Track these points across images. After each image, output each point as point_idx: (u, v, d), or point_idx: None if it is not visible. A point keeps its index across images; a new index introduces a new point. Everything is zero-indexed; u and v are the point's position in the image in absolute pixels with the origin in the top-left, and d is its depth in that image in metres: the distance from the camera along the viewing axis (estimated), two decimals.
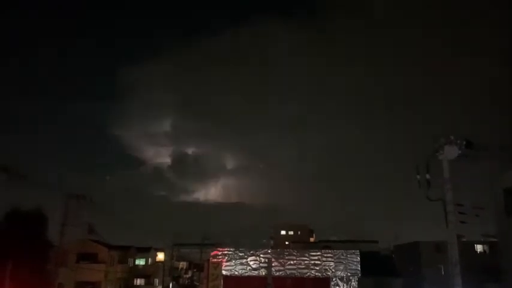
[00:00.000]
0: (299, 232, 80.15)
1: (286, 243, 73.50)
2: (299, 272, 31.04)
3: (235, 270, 31.21)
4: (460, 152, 15.18)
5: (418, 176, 15.87)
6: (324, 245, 57.15)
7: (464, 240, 42.24)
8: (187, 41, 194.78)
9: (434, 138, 15.60)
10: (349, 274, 30.99)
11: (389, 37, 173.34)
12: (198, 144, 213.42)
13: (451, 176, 15.33)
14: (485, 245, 47.71)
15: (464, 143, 15.17)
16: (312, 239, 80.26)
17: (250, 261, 31.33)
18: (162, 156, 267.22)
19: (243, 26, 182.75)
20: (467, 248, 41.23)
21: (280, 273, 30.75)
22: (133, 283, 57.24)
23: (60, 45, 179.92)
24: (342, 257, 31.42)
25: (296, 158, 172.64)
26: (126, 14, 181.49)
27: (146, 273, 59.23)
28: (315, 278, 31.01)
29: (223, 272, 31.14)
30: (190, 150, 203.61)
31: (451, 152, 15.19)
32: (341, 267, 31.09)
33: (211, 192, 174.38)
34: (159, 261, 64.63)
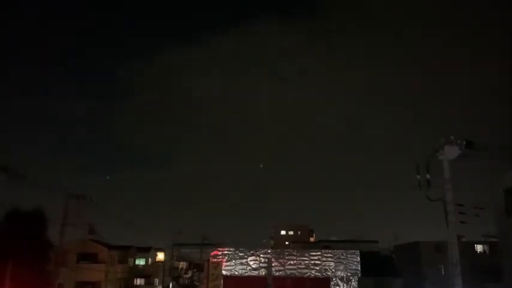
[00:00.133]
0: (299, 232, 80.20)
1: (286, 243, 73.55)
2: (299, 272, 31.04)
3: (235, 270, 31.22)
4: (460, 152, 15.19)
5: (418, 176, 15.88)
6: (324, 245, 57.16)
7: (465, 240, 42.35)
8: (187, 41, 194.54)
9: (434, 138, 15.63)
10: (349, 274, 30.99)
11: (389, 37, 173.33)
12: None
13: (451, 176, 15.34)
14: (485, 245, 47.75)
15: (464, 143, 15.17)
16: (312, 239, 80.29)
17: (250, 261, 31.33)
18: None
19: (243, 26, 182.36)
20: (467, 248, 41.28)
21: (280, 273, 30.75)
22: (133, 283, 57.27)
23: (60, 45, 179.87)
24: (342, 257, 31.42)
25: (296, 158, 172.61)
26: (126, 14, 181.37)
27: (146, 273, 59.26)
28: (315, 278, 31.02)
29: (223, 272, 31.15)
30: None
31: (451, 152, 15.19)
32: (341, 267, 31.10)
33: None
34: (159, 261, 64.67)
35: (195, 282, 76.16)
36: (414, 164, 16.14)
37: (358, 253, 31.82)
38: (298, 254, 32.13)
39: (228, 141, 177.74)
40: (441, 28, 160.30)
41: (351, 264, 31.14)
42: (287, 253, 32.79)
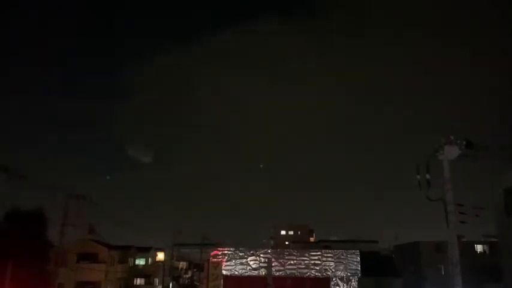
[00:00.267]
0: (299, 232, 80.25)
1: (286, 243, 73.58)
2: (299, 272, 31.06)
3: (235, 270, 31.24)
4: (460, 152, 15.21)
5: (418, 176, 15.89)
6: (324, 245, 57.16)
7: (465, 240, 42.32)
8: (187, 41, 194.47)
9: (434, 138, 15.65)
10: (349, 274, 31.01)
11: (390, 37, 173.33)
12: None
13: (451, 176, 15.35)
14: (485, 245, 47.73)
15: (464, 143, 15.19)
16: (312, 239, 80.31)
17: (250, 261, 31.36)
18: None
19: (243, 26, 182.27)
20: (467, 248, 41.26)
21: (280, 273, 30.77)
22: (133, 283, 57.28)
23: (60, 45, 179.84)
24: (342, 257, 31.45)
25: (296, 158, 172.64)
26: (126, 14, 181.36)
27: (146, 273, 59.27)
28: (315, 278, 31.04)
29: (223, 272, 31.17)
30: None
31: (451, 152, 15.21)
32: (341, 267, 31.12)
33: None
34: (159, 261, 64.69)
35: (195, 282, 76.17)
36: (414, 164, 16.16)
37: (358, 253, 31.84)
38: (298, 254, 32.15)
39: (228, 141, 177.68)
40: (441, 28, 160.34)
41: (351, 264, 31.17)
42: (287, 253, 32.82)
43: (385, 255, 51.77)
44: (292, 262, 31.29)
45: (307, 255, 31.77)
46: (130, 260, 58.74)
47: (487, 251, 46.99)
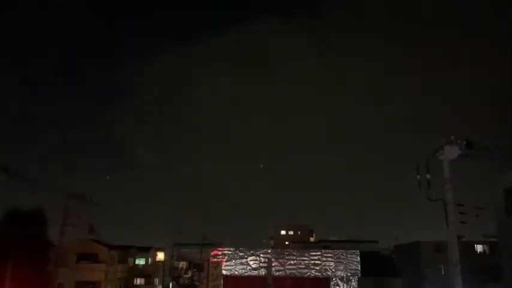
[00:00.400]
0: (299, 232, 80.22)
1: (286, 243, 73.56)
2: (299, 272, 31.06)
3: (235, 270, 31.23)
4: (460, 152, 15.21)
5: (418, 176, 15.91)
6: (324, 245, 57.13)
7: (465, 240, 42.32)
8: (187, 41, 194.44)
9: (434, 138, 15.66)
10: (349, 274, 31.01)
11: (390, 37, 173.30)
12: None
13: (451, 176, 15.36)
14: (485, 245, 47.72)
15: (464, 143, 15.20)
16: (312, 239, 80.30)
17: (250, 261, 31.35)
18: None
19: (243, 26, 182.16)
20: (467, 248, 41.26)
21: (280, 273, 30.76)
22: (133, 283, 57.26)
23: (60, 45, 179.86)
24: (342, 257, 31.44)
25: (296, 158, 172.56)
26: (126, 14, 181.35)
27: (146, 272, 59.24)
28: (315, 278, 31.03)
29: (223, 272, 31.16)
30: None
31: (451, 152, 15.23)
32: (341, 267, 31.11)
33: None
34: (159, 261, 64.67)
35: (195, 282, 76.13)
36: (414, 164, 16.17)
37: (358, 253, 31.83)
38: (298, 254, 32.14)
39: (228, 141, 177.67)
40: (441, 28, 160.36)
41: (351, 264, 31.16)
42: (287, 253, 32.81)
43: (385, 255, 51.75)
44: (292, 262, 31.28)
45: (307, 255, 31.76)
46: (130, 260, 58.72)
47: (487, 251, 46.97)
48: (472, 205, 16.17)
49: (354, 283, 31.03)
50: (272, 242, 79.33)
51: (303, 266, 31.17)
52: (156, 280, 60.00)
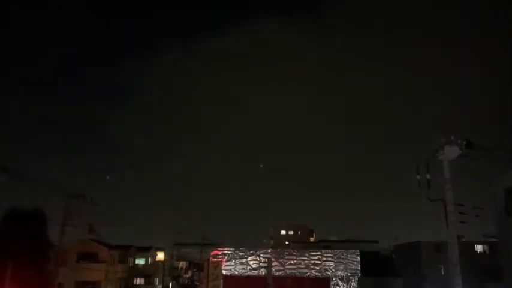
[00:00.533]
0: (299, 232, 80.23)
1: (286, 243, 73.56)
2: (299, 272, 31.04)
3: (235, 270, 31.22)
4: (460, 152, 15.21)
5: (418, 176, 15.90)
6: (324, 244, 57.13)
7: (465, 240, 42.31)
8: (187, 41, 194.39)
9: (434, 138, 15.65)
10: (349, 274, 30.99)
11: (390, 37, 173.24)
12: None
13: (451, 176, 15.35)
14: (485, 245, 47.71)
15: (464, 143, 15.20)
16: (312, 239, 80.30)
17: (250, 261, 31.33)
18: None
19: (243, 26, 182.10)
20: (467, 248, 41.24)
21: (280, 273, 30.75)
22: (133, 283, 57.25)
23: (60, 45, 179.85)
24: (342, 256, 31.41)
25: (296, 158, 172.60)
26: (126, 14, 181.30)
27: (146, 272, 59.23)
28: (315, 278, 31.01)
29: (223, 272, 31.15)
30: None
31: (451, 152, 15.22)
32: (341, 267, 31.09)
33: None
34: (159, 261, 64.68)
35: (195, 282, 76.15)
36: (414, 164, 16.17)
37: (358, 253, 31.79)
38: (298, 253, 32.11)
39: (228, 141, 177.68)
40: (441, 28, 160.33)
41: (350, 264, 31.14)
42: (287, 253, 32.78)
43: (385, 255, 51.74)
44: (292, 262, 31.26)
45: (307, 255, 31.73)
46: (131, 259, 58.72)
47: (487, 251, 46.96)
48: (472, 205, 16.18)
49: (354, 283, 31.01)
50: (272, 242, 79.33)
51: (303, 266, 31.14)
52: (156, 280, 60.00)
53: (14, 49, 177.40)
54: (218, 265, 31.23)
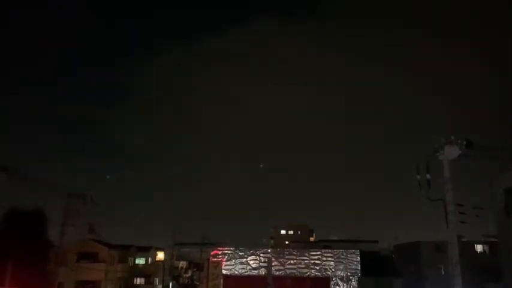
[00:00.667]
0: (299, 232, 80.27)
1: (286, 242, 73.58)
2: (299, 272, 31.04)
3: (235, 270, 31.22)
4: (460, 152, 15.21)
5: (418, 176, 15.89)
6: (324, 244, 57.11)
7: (465, 240, 42.31)
8: (187, 41, 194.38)
9: (434, 138, 15.64)
10: (349, 274, 30.99)
11: (390, 37, 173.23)
12: None
13: (451, 176, 15.35)
14: (485, 245, 47.71)
15: (464, 143, 15.19)
16: (312, 239, 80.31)
17: (250, 260, 31.33)
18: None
19: (243, 26, 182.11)
20: (467, 248, 41.24)
21: (280, 272, 30.75)
22: (133, 282, 57.28)
23: (60, 45, 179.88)
24: (342, 256, 31.41)
25: (296, 158, 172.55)
26: (126, 14, 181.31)
27: (146, 272, 59.26)
28: (315, 278, 31.01)
29: (223, 272, 31.15)
30: None
31: (451, 152, 15.22)
32: (341, 267, 31.09)
33: None
34: (159, 261, 64.68)
35: (195, 282, 76.13)
36: (414, 164, 16.16)
37: (358, 253, 31.79)
38: (298, 253, 32.11)
39: (228, 141, 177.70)
40: (441, 28, 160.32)
41: (350, 264, 31.14)
42: (287, 253, 32.78)
43: (385, 255, 51.75)
44: (292, 262, 31.25)
45: (307, 254, 31.73)
46: (131, 259, 58.73)
47: (487, 251, 46.96)
48: (472, 205, 16.17)
49: (354, 283, 31.01)
50: (272, 241, 79.35)
51: (303, 266, 31.14)
52: (156, 280, 60.02)
53: (14, 49, 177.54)
54: (218, 265, 31.23)
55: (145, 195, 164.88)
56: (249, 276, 31.01)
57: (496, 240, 31.48)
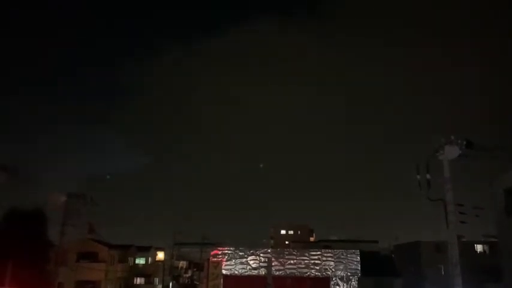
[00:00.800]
0: (299, 232, 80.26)
1: (286, 242, 73.57)
2: (299, 272, 31.04)
3: (235, 270, 31.22)
4: (460, 152, 15.21)
5: (418, 176, 15.90)
6: (324, 244, 57.10)
7: (465, 240, 42.30)
8: (187, 41, 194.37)
9: (434, 138, 15.65)
10: (349, 274, 30.99)
11: (390, 37, 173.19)
12: None
13: (451, 176, 15.35)
14: (485, 245, 47.71)
15: (464, 143, 15.20)
16: (312, 239, 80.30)
17: (250, 260, 31.34)
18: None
19: (243, 26, 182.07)
20: (467, 248, 41.22)
21: (280, 272, 30.75)
22: (133, 282, 57.27)
23: (60, 45, 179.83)
24: (342, 256, 31.42)
25: (296, 158, 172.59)
26: (126, 14, 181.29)
27: (146, 272, 59.25)
28: (315, 278, 31.02)
29: (223, 271, 31.16)
30: None
31: (451, 152, 15.22)
32: (341, 267, 31.09)
33: None
34: (159, 261, 64.67)
35: (195, 282, 76.10)
36: (414, 164, 16.16)
37: (358, 253, 31.80)
38: (298, 253, 32.12)
39: (228, 141, 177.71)
40: (441, 28, 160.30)
41: (350, 264, 31.14)
42: (287, 253, 32.79)
43: (385, 255, 51.75)
44: (292, 262, 31.26)
45: (307, 254, 31.74)
46: (131, 259, 58.72)
47: (487, 251, 46.95)
48: (472, 205, 16.17)
49: (354, 283, 31.01)
50: (272, 241, 79.34)
51: (303, 266, 31.15)
52: (156, 279, 60.02)
53: (14, 49, 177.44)
54: (218, 265, 31.23)
55: (145, 195, 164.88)
56: (249, 276, 31.02)
57: (496, 240, 31.47)
